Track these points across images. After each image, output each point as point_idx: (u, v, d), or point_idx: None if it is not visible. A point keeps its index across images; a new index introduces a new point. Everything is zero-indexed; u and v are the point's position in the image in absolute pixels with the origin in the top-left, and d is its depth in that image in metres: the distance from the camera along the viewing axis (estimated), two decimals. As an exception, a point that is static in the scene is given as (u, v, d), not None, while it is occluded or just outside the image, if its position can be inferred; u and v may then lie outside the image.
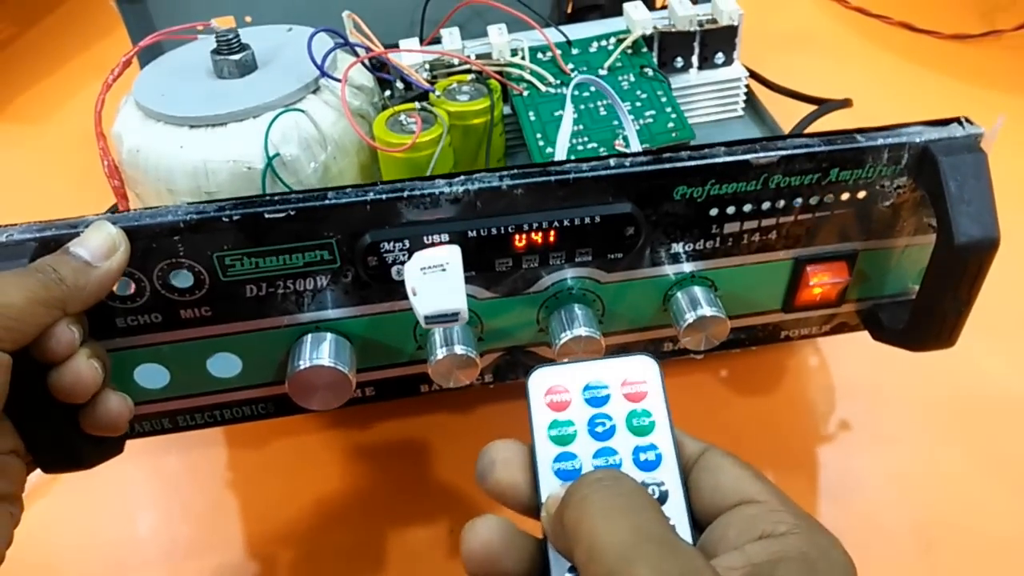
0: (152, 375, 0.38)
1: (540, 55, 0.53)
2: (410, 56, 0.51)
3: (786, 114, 0.59)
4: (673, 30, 0.54)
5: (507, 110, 0.51)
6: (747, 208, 0.37)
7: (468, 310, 0.35)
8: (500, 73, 0.51)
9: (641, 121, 0.48)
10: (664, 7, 0.58)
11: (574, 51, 0.53)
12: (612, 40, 0.53)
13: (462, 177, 0.35)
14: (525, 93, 0.50)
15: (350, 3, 0.53)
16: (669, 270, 0.39)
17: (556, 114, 0.49)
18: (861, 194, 0.37)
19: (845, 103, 0.58)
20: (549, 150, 0.47)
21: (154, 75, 0.48)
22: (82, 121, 0.52)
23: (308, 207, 0.34)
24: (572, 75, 0.51)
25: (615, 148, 0.47)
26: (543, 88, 0.51)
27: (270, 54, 0.48)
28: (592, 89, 0.50)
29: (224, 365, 0.38)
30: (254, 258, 0.35)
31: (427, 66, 0.51)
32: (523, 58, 0.52)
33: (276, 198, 0.34)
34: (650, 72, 0.51)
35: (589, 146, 0.47)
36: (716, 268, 0.39)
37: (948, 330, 0.38)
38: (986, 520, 0.45)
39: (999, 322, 0.52)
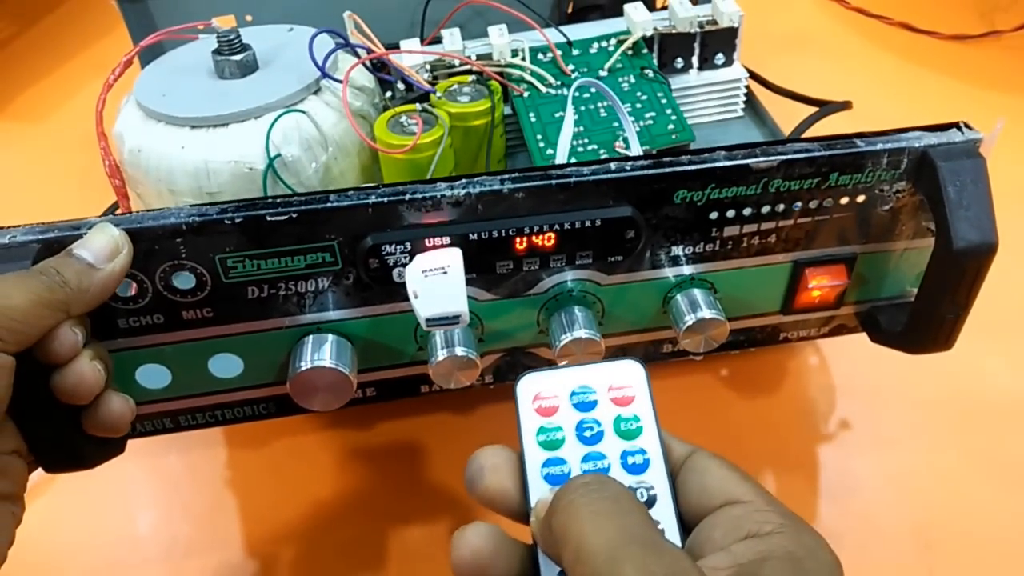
0: (154, 375, 0.38)
1: (541, 56, 0.53)
2: (411, 57, 0.51)
3: (786, 115, 0.59)
4: (673, 31, 0.54)
5: (508, 110, 0.51)
6: (747, 212, 0.37)
7: (469, 312, 0.35)
8: (501, 74, 0.51)
9: (641, 123, 0.49)
10: (664, 8, 0.58)
11: (575, 52, 0.53)
12: (612, 41, 0.54)
13: (463, 180, 0.35)
14: (526, 94, 0.51)
15: (351, 3, 0.53)
16: (669, 272, 0.39)
17: (557, 115, 0.49)
18: (860, 198, 0.37)
19: (845, 105, 0.58)
20: (549, 151, 0.47)
21: (155, 75, 0.48)
22: (83, 120, 0.52)
23: (310, 210, 0.34)
24: (572, 76, 0.52)
25: (615, 150, 0.47)
26: (543, 89, 0.51)
27: (271, 54, 0.48)
28: (593, 90, 0.50)
29: (225, 366, 0.38)
30: (256, 260, 0.35)
31: (428, 67, 0.51)
32: (524, 59, 0.52)
33: (278, 200, 0.34)
34: (650, 73, 0.52)
35: (590, 148, 0.47)
36: (716, 271, 0.39)
37: (946, 333, 0.38)
38: (984, 520, 0.45)
39: (998, 323, 0.52)
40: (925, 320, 0.38)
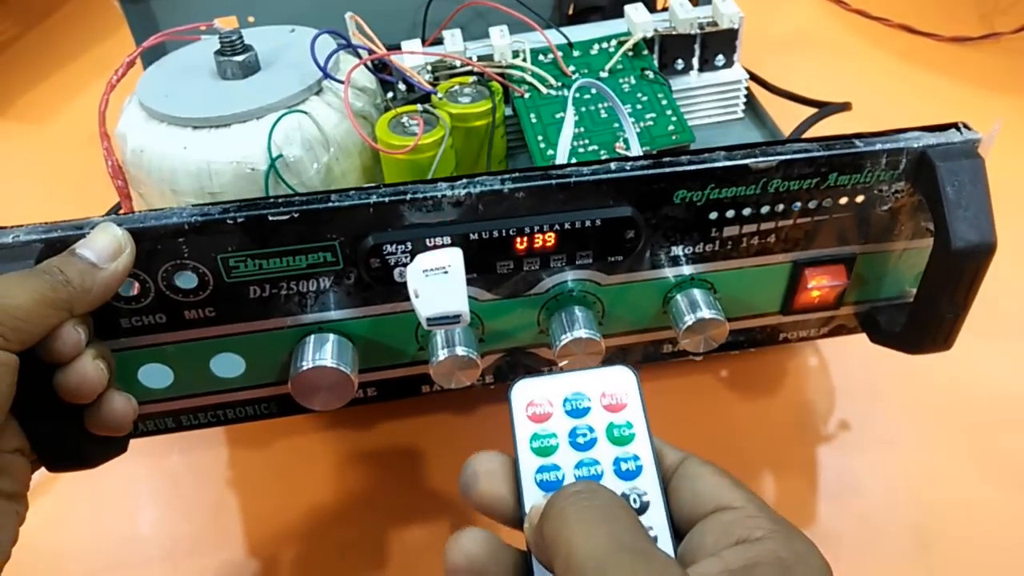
0: (156, 375, 0.38)
1: (541, 57, 0.53)
2: (412, 58, 0.51)
3: (786, 116, 0.60)
4: (674, 33, 0.54)
5: (508, 111, 0.52)
6: (746, 212, 0.37)
7: (469, 312, 0.35)
8: (502, 75, 0.51)
9: (642, 124, 0.49)
10: (665, 9, 0.58)
11: (575, 53, 0.54)
12: (613, 42, 0.54)
13: (464, 180, 0.35)
14: (526, 95, 0.51)
15: (352, 3, 0.53)
16: (669, 273, 0.39)
17: (557, 116, 0.49)
18: (859, 198, 0.38)
19: (844, 106, 0.58)
20: (550, 152, 0.47)
21: (158, 75, 0.48)
22: (85, 121, 0.53)
23: (311, 209, 0.34)
24: (573, 77, 0.52)
25: (616, 151, 0.47)
26: (544, 90, 0.51)
27: (273, 55, 0.48)
28: (593, 91, 0.50)
29: (227, 365, 0.39)
30: (258, 260, 0.35)
31: (429, 67, 0.52)
32: (524, 60, 0.52)
33: (280, 200, 0.35)
34: (651, 75, 0.52)
35: (590, 148, 0.47)
36: (715, 271, 0.39)
37: (945, 333, 0.38)
38: (983, 521, 0.45)
39: (997, 324, 0.52)
40: (924, 320, 0.38)
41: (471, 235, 0.36)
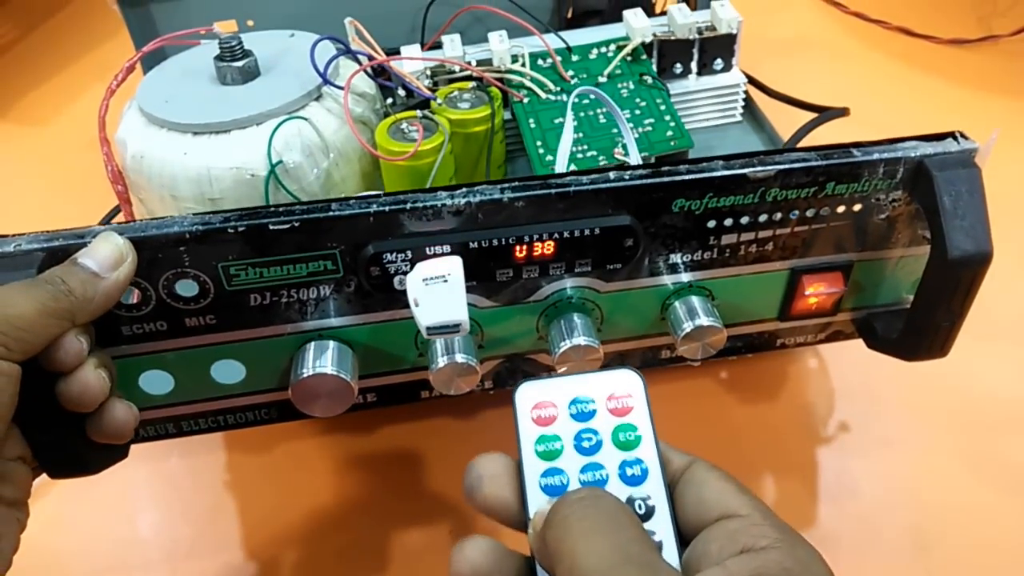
0: (157, 381, 0.38)
1: (540, 61, 0.53)
2: (411, 63, 0.51)
3: (784, 119, 0.60)
4: (672, 38, 0.54)
5: (507, 115, 0.52)
6: (744, 220, 0.37)
7: (469, 319, 0.35)
8: (500, 80, 0.51)
9: (640, 129, 0.49)
10: (663, 13, 0.58)
11: (574, 58, 0.54)
12: (612, 47, 0.54)
13: (464, 189, 0.35)
14: (525, 100, 0.51)
15: (351, 7, 0.53)
16: (667, 280, 0.39)
17: (556, 121, 0.50)
18: (857, 207, 0.38)
19: (843, 112, 0.59)
20: (549, 158, 0.48)
21: (157, 81, 0.48)
22: (85, 124, 0.53)
23: (312, 218, 0.34)
24: (572, 82, 0.52)
25: (614, 156, 0.47)
26: (543, 95, 0.51)
27: (272, 60, 0.48)
28: (592, 96, 0.50)
29: (228, 372, 0.39)
30: (258, 268, 0.35)
31: (428, 72, 0.52)
32: (523, 65, 0.52)
33: (280, 209, 0.35)
34: (649, 80, 0.52)
35: (588, 154, 0.47)
36: (713, 278, 0.40)
37: (941, 341, 0.38)
38: (981, 523, 0.45)
39: (994, 328, 0.52)
40: (921, 328, 0.38)
41: (471, 244, 0.36)
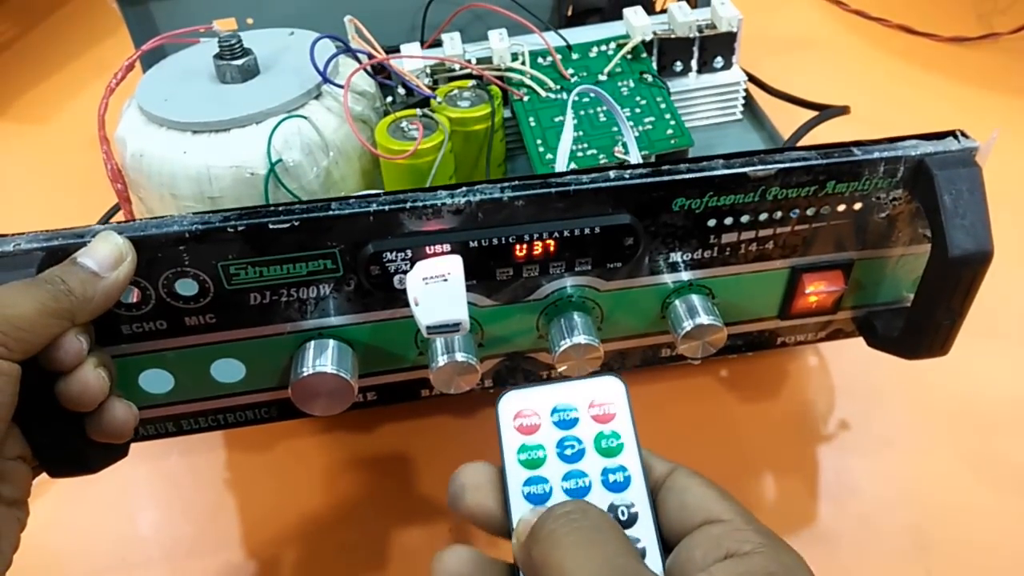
0: (157, 380, 0.38)
1: (540, 60, 0.53)
2: (411, 61, 0.51)
3: (785, 116, 0.60)
4: (672, 36, 0.54)
5: (507, 113, 0.52)
6: (744, 219, 0.37)
7: (469, 318, 0.35)
8: (500, 78, 0.51)
9: (640, 128, 0.49)
10: (663, 11, 0.58)
11: (574, 56, 0.54)
12: (612, 45, 0.54)
13: (463, 188, 0.35)
14: (525, 98, 0.51)
15: (351, 5, 0.53)
16: (667, 279, 0.39)
17: (556, 120, 0.50)
18: (857, 206, 0.38)
19: (843, 110, 0.58)
20: (549, 156, 0.48)
21: (157, 79, 0.48)
22: (85, 122, 0.53)
23: (312, 218, 0.34)
24: (572, 80, 0.52)
25: (615, 155, 0.47)
26: (543, 93, 0.51)
27: (272, 59, 0.48)
28: (592, 95, 0.50)
29: (228, 370, 0.39)
30: (258, 267, 0.35)
31: (428, 71, 0.52)
32: (523, 63, 0.52)
33: (280, 209, 0.35)
34: (649, 78, 0.52)
35: (589, 153, 0.47)
36: (714, 277, 0.40)
37: (942, 339, 0.38)
38: (981, 522, 0.45)
39: (995, 327, 0.52)
40: (921, 326, 0.38)
41: (471, 243, 0.36)
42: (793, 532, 0.46)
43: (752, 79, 0.61)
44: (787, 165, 0.36)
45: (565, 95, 0.51)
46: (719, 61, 0.57)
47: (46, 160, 0.73)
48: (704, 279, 0.40)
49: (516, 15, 0.54)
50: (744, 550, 0.26)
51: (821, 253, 0.40)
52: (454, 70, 0.51)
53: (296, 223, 0.34)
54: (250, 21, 0.57)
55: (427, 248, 0.36)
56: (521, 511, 0.28)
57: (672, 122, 0.49)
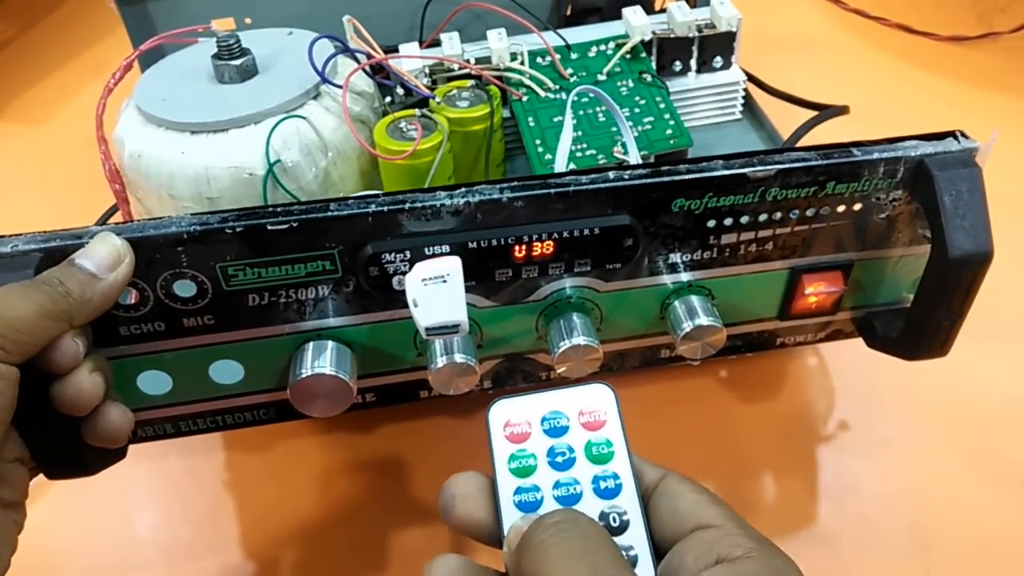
0: (155, 382, 0.38)
1: (539, 59, 0.53)
2: (410, 61, 0.51)
3: (784, 116, 0.60)
4: (672, 36, 0.54)
5: (506, 113, 0.52)
6: (744, 220, 0.37)
7: (468, 319, 0.35)
8: (499, 78, 0.51)
9: (640, 128, 0.49)
10: (663, 10, 0.58)
11: (573, 56, 0.53)
12: (611, 45, 0.54)
13: (463, 189, 0.35)
14: (524, 98, 0.51)
15: (349, 5, 0.53)
16: (667, 279, 0.39)
17: (555, 120, 0.49)
18: (857, 206, 0.38)
19: (843, 110, 0.58)
20: (548, 156, 0.47)
21: (155, 79, 0.48)
22: (83, 122, 0.53)
23: (311, 219, 0.34)
24: (571, 80, 0.52)
25: (614, 155, 0.47)
26: (542, 93, 0.51)
27: (271, 59, 0.48)
28: (591, 95, 0.50)
29: (226, 372, 0.39)
30: (257, 268, 0.35)
31: (427, 70, 0.52)
32: (522, 63, 0.52)
33: (279, 210, 0.35)
34: (648, 78, 0.52)
35: (588, 153, 0.47)
36: (713, 277, 0.40)
37: (941, 340, 0.38)
38: (980, 521, 0.46)
39: (995, 327, 0.52)
40: (921, 327, 0.38)
41: (470, 244, 0.36)
42: (793, 532, 0.46)
43: (751, 79, 0.61)
44: (787, 166, 0.36)
45: (564, 95, 0.51)
46: (718, 61, 0.57)
47: (44, 160, 0.73)
48: (703, 280, 0.40)
49: (515, 15, 0.53)
50: (736, 555, 0.26)
51: (821, 254, 0.39)
52: (453, 70, 0.51)
53: (295, 224, 0.34)
54: (248, 21, 0.57)
55: (426, 249, 0.36)
56: (512, 519, 0.28)
57: (671, 122, 0.49)
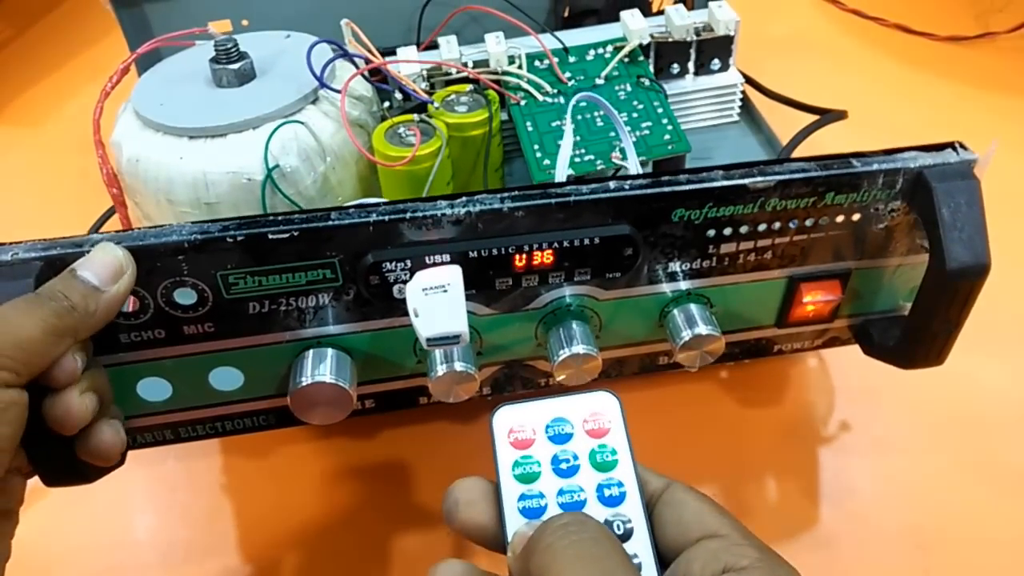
0: (155, 388, 0.38)
1: (537, 63, 0.53)
2: (408, 66, 0.51)
3: (781, 117, 0.60)
4: (670, 40, 0.54)
5: (504, 115, 0.51)
6: (743, 230, 0.37)
7: (468, 326, 0.35)
8: (497, 82, 0.51)
9: (638, 133, 0.49)
10: (660, 12, 0.58)
11: (571, 59, 0.53)
12: (609, 48, 0.54)
13: (463, 199, 0.35)
14: (523, 103, 0.51)
15: (346, 6, 0.53)
16: (666, 288, 0.39)
17: (553, 124, 0.49)
18: (856, 216, 0.38)
19: (841, 115, 0.58)
20: (547, 162, 0.47)
21: (152, 83, 0.48)
22: (80, 124, 0.52)
23: (312, 228, 0.34)
24: (569, 84, 0.52)
25: (612, 160, 0.47)
26: (540, 98, 0.51)
27: (268, 62, 0.48)
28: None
29: (226, 378, 0.39)
30: (257, 276, 0.35)
31: (424, 74, 0.51)
32: (520, 67, 0.52)
33: (279, 219, 0.35)
34: (646, 82, 0.52)
35: (586, 158, 0.47)
36: (712, 286, 0.40)
37: (937, 350, 0.39)
38: (979, 523, 0.46)
39: (993, 330, 0.53)
40: (917, 337, 0.38)
41: (470, 253, 0.36)
42: (792, 534, 0.46)
43: (749, 80, 0.61)
44: (787, 177, 0.36)
45: (562, 99, 0.51)
46: (716, 63, 0.57)
47: (41, 163, 0.73)
48: (702, 288, 0.40)
49: (512, 18, 0.53)
50: (742, 564, 0.26)
51: (819, 263, 0.40)
52: (451, 74, 0.51)
53: (295, 233, 0.34)
54: (245, 23, 0.57)
55: (427, 258, 0.36)
56: (516, 525, 0.28)
57: (669, 127, 0.49)
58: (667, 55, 0.55)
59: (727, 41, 0.56)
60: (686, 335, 0.39)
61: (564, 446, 0.30)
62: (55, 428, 0.31)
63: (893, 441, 0.50)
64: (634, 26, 0.53)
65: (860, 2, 0.84)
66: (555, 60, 0.52)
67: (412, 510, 0.48)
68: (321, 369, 0.37)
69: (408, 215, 0.35)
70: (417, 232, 0.35)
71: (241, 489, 0.49)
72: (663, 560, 0.28)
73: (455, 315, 0.35)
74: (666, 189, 0.36)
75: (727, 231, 0.37)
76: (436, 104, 0.47)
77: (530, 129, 0.49)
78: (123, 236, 0.34)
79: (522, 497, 0.29)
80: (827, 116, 0.57)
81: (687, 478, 0.30)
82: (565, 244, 0.36)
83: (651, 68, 0.55)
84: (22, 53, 0.87)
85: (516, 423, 0.30)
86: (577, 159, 0.47)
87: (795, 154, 0.55)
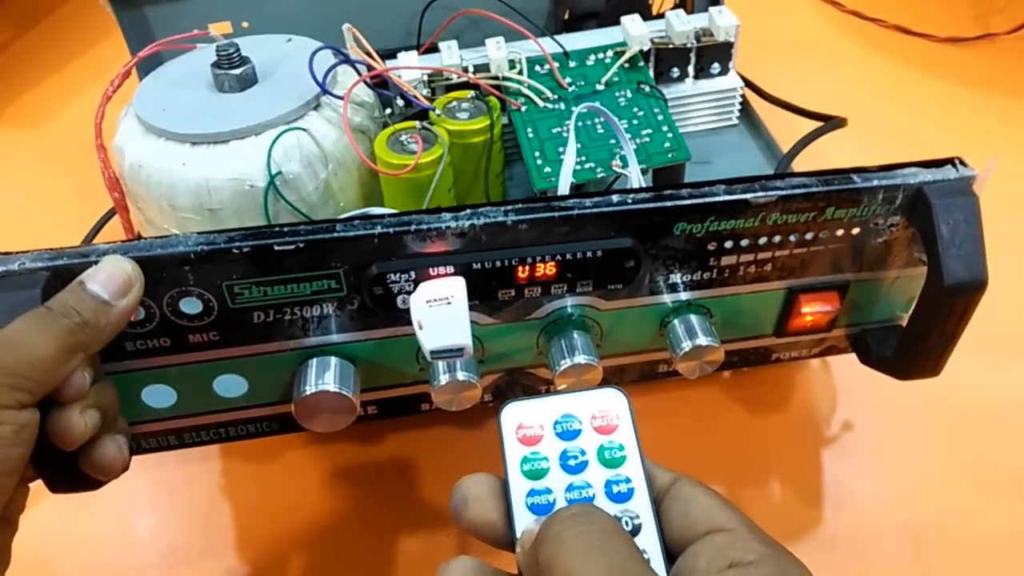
0: (159, 395, 0.39)
1: (538, 67, 0.53)
2: (409, 72, 0.51)
3: (781, 120, 0.60)
4: (670, 46, 0.54)
5: (505, 119, 0.51)
6: (744, 243, 0.38)
7: (472, 337, 0.36)
8: (498, 88, 0.51)
9: (638, 140, 0.49)
10: (661, 15, 0.58)
11: (571, 64, 0.53)
12: (609, 53, 0.54)
13: (468, 211, 0.35)
14: (523, 108, 0.51)
15: (347, 9, 0.53)
16: (667, 299, 0.40)
17: (554, 131, 0.50)
18: (855, 231, 0.38)
19: (841, 123, 0.59)
20: (547, 169, 0.48)
21: (154, 87, 0.48)
22: (81, 126, 0.52)
23: (317, 240, 0.35)
24: (570, 89, 0.52)
25: (612, 168, 0.47)
26: (541, 103, 0.51)
27: (270, 67, 0.48)
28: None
29: (230, 386, 0.39)
30: (262, 287, 0.36)
31: (425, 79, 0.51)
32: (521, 71, 0.52)
33: (285, 230, 0.35)
34: (647, 88, 0.52)
35: (587, 166, 0.47)
36: (712, 297, 0.40)
37: (934, 362, 0.39)
38: (978, 524, 0.46)
39: (992, 335, 0.53)
40: (914, 349, 0.39)
41: (474, 265, 0.36)
42: (793, 534, 0.47)
43: (749, 84, 0.61)
44: (787, 192, 0.36)
45: (563, 105, 0.51)
46: (716, 67, 0.57)
47: (43, 163, 0.73)
48: (703, 299, 0.40)
49: (512, 22, 0.53)
50: (749, 559, 0.26)
51: (818, 275, 0.40)
52: (452, 79, 0.51)
53: (301, 245, 0.35)
54: (245, 25, 0.57)
55: (430, 270, 0.36)
56: (525, 522, 0.28)
57: (669, 135, 0.49)
58: (667, 60, 0.56)
59: (727, 47, 0.56)
60: (686, 346, 0.39)
61: (572, 442, 0.30)
62: (56, 443, 0.31)
63: (892, 443, 0.50)
64: (634, 32, 0.53)
65: (859, 3, 0.84)
66: (555, 65, 0.53)
67: (414, 513, 0.48)
68: (325, 378, 0.38)
69: (412, 227, 0.35)
70: (421, 244, 0.36)
71: (243, 492, 0.49)
72: (670, 554, 0.28)
73: (459, 327, 0.35)
74: (668, 203, 0.36)
75: (728, 244, 0.38)
76: (437, 111, 0.47)
77: (531, 135, 0.49)
78: (130, 247, 0.34)
79: (531, 493, 0.29)
80: (827, 124, 0.58)
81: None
82: (568, 256, 0.37)
83: (651, 73, 0.55)
84: (23, 54, 0.86)
85: (524, 419, 0.31)
86: (578, 167, 0.47)
87: (795, 159, 0.55)
